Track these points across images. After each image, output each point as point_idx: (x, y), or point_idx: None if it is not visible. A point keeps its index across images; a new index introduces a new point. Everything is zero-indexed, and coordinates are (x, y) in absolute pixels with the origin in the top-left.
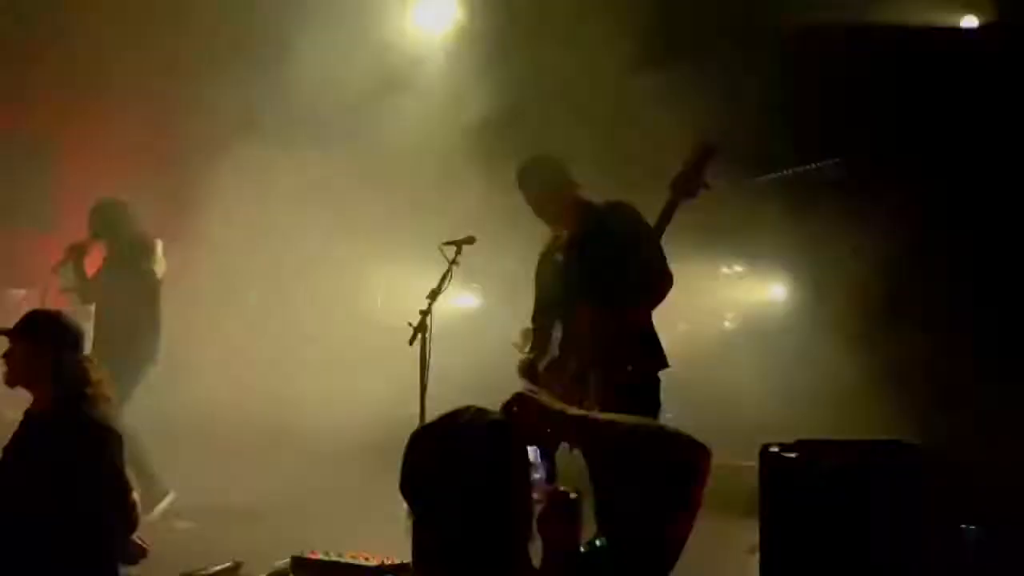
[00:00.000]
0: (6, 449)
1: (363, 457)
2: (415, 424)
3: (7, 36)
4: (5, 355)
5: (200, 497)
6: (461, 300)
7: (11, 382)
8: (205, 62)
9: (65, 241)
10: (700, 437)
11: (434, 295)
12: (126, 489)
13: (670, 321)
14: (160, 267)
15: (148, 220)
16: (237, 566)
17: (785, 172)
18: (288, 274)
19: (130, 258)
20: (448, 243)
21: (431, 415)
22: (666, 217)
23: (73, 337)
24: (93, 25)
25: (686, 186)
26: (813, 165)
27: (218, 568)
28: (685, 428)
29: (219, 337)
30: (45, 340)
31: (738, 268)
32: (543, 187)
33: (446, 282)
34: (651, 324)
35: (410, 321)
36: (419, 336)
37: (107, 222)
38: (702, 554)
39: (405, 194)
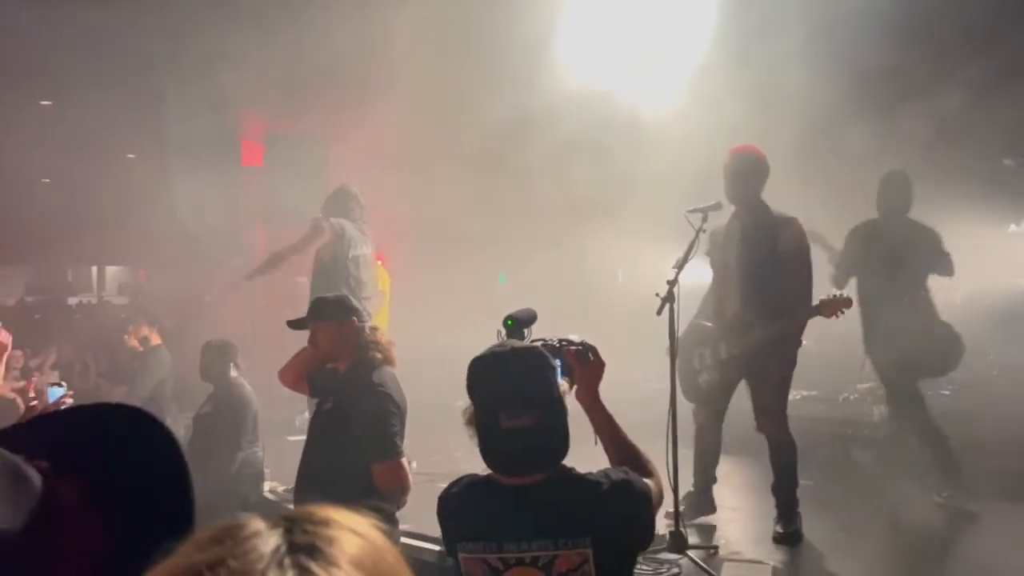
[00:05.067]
0: (319, 403)
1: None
2: (665, 399)
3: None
4: (310, 341)
5: (455, 465)
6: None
7: (321, 360)
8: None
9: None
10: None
11: (680, 264)
12: (393, 451)
13: (950, 285)
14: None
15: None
16: None
17: None
18: (529, 255)
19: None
20: (694, 210)
21: (680, 387)
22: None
23: (357, 312)
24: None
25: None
26: None
27: None
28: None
29: (470, 318)
30: (337, 318)
31: None
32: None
33: (693, 251)
34: None
35: (657, 292)
36: (667, 306)
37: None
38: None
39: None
